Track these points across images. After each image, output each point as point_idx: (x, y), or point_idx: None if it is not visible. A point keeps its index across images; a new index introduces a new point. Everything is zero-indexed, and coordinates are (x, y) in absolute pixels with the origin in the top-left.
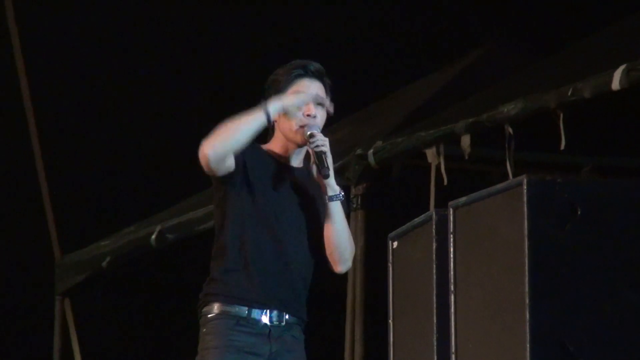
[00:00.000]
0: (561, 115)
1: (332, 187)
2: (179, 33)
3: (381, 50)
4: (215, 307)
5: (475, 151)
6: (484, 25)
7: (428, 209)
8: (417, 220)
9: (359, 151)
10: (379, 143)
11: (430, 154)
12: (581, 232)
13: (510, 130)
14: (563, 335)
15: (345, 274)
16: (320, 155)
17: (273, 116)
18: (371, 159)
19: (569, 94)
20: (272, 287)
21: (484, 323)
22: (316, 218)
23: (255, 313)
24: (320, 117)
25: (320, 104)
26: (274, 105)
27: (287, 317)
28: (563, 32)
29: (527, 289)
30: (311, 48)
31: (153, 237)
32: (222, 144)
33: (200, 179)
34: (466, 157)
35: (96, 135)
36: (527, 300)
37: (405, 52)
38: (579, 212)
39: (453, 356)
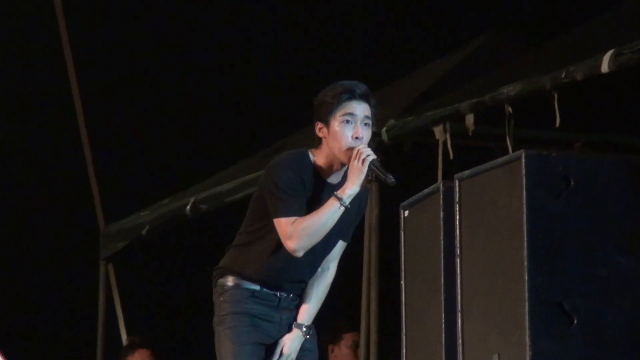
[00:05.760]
0: (556, 96)
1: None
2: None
3: (393, 38)
4: (231, 280)
5: (478, 128)
6: (487, 15)
7: (436, 181)
8: (426, 191)
9: (373, 129)
10: (392, 121)
11: (438, 131)
12: (574, 201)
13: (510, 109)
14: (559, 295)
15: (362, 240)
16: (372, 167)
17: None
18: (384, 136)
19: (563, 76)
20: (282, 283)
21: (486, 284)
22: (339, 234)
23: (265, 291)
24: (367, 136)
25: (366, 124)
26: (349, 197)
27: (292, 295)
28: (557, 21)
29: (525, 253)
30: (328, 38)
31: (188, 207)
32: (310, 242)
33: (229, 154)
34: (470, 134)
35: (135, 116)
36: (525, 263)
37: (415, 40)
38: (572, 183)
39: (459, 314)
